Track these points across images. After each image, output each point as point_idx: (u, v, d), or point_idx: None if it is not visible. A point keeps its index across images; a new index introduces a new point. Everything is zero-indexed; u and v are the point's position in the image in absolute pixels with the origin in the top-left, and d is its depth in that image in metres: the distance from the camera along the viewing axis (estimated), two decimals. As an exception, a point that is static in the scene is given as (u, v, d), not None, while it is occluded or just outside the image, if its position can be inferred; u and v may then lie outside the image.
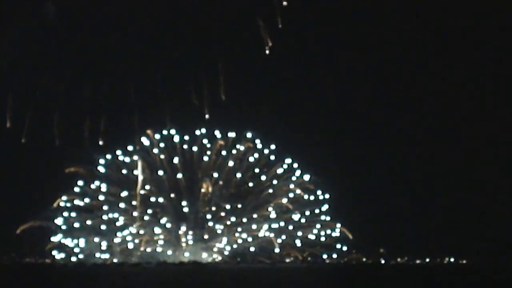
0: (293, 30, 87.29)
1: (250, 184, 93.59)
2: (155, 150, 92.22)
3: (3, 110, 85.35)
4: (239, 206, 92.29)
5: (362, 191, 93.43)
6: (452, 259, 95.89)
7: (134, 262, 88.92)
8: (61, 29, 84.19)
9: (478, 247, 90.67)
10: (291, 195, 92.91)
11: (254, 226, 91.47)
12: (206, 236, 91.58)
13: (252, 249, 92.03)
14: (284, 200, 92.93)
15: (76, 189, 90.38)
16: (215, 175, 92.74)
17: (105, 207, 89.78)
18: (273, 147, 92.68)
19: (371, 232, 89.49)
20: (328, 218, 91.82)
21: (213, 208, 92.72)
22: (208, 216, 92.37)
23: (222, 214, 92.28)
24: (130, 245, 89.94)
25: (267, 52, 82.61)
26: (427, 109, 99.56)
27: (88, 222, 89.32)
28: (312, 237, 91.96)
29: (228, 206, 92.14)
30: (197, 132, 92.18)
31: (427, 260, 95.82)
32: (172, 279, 51.27)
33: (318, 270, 73.29)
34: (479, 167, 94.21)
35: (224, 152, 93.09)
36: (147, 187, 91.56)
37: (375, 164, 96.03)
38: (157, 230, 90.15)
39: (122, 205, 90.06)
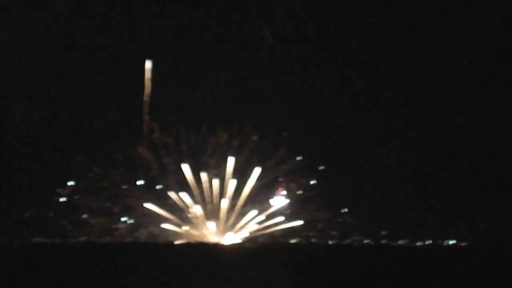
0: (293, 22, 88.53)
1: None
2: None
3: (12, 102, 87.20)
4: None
5: (364, 173, 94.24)
6: (453, 241, 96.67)
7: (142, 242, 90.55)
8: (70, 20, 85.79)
9: (479, 229, 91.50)
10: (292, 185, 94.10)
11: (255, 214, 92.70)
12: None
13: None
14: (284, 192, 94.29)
15: (71, 183, 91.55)
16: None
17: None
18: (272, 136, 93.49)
19: (372, 214, 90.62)
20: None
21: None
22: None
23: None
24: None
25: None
26: (425, 96, 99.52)
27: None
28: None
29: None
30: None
31: (428, 242, 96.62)
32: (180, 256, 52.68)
33: (320, 250, 74.64)
34: (481, 148, 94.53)
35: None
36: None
37: (375, 147, 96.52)
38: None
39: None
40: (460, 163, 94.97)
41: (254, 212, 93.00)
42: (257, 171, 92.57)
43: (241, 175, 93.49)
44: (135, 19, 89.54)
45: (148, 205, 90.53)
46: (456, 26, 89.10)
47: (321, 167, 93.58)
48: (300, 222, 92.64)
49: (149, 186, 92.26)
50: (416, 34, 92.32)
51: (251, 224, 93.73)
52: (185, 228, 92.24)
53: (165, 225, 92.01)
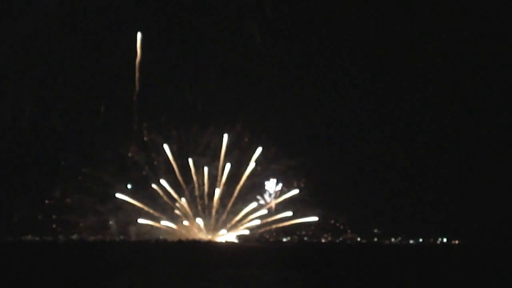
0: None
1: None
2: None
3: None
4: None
5: (357, 173, 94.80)
6: (444, 239, 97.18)
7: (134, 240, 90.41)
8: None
9: (471, 227, 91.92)
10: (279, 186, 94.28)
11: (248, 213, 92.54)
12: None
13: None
14: (278, 187, 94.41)
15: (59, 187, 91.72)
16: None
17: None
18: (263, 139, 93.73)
19: (365, 212, 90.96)
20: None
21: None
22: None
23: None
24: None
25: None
26: (418, 94, 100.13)
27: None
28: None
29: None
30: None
31: (420, 240, 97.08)
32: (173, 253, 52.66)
33: (313, 249, 74.68)
34: (474, 146, 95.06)
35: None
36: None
37: (368, 147, 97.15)
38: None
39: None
40: (452, 163, 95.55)
41: (252, 204, 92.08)
42: (258, 150, 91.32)
43: (236, 175, 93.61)
44: (130, 21, 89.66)
45: (120, 196, 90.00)
46: (452, 25, 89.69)
47: (314, 167, 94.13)
48: (315, 218, 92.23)
49: (141, 186, 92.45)
50: (410, 33, 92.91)
51: (250, 220, 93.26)
52: (170, 225, 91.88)
53: (142, 220, 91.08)
